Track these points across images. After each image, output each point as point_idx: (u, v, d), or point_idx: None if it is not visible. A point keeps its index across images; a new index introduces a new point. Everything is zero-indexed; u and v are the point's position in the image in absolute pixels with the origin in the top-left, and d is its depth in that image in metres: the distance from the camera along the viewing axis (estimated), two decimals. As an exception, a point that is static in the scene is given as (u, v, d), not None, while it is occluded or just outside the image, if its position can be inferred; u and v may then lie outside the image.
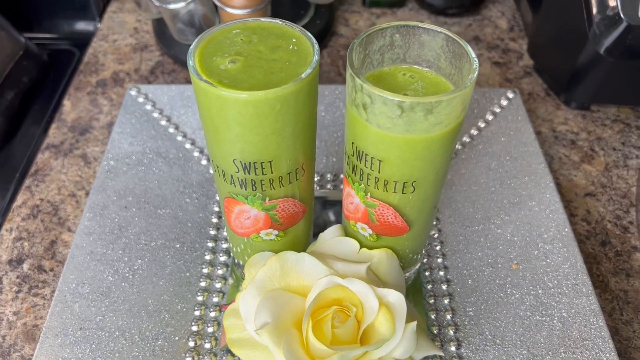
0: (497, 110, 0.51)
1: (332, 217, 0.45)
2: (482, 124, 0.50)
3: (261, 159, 0.29)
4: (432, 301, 0.39)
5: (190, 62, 0.27)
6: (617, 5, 0.45)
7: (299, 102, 0.27)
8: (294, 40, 0.29)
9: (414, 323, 0.32)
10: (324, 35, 0.61)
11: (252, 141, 0.28)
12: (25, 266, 0.41)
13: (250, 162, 0.29)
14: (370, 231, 0.34)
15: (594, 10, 0.47)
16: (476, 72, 0.27)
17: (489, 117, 0.51)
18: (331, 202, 0.46)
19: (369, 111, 0.27)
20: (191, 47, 0.28)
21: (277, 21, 0.30)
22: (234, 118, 0.27)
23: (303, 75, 0.27)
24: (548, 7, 0.56)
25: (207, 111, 0.28)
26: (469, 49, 0.28)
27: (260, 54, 0.28)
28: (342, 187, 0.47)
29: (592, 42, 0.48)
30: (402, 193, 0.31)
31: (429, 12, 0.67)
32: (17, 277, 0.41)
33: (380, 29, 0.30)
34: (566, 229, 0.42)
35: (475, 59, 0.28)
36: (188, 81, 0.57)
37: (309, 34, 0.29)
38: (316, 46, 0.28)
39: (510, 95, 0.52)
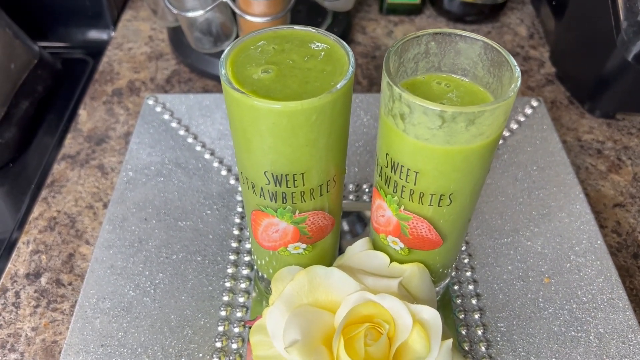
0: (522, 119, 0.50)
1: (351, 228, 0.44)
2: (506, 133, 0.49)
3: (293, 171, 0.28)
4: (462, 316, 0.38)
5: (222, 71, 0.26)
6: (646, 12, 0.44)
7: (335, 112, 0.26)
8: (327, 47, 0.28)
9: (450, 341, 0.31)
10: (341, 43, 0.61)
11: (285, 152, 0.27)
12: (43, 280, 0.40)
13: (281, 174, 0.28)
14: (401, 245, 0.33)
15: (622, 16, 0.46)
16: (519, 81, 0.26)
17: (514, 126, 0.49)
18: (350, 213, 0.45)
19: (406, 121, 0.26)
20: (222, 56, 0.27)
21: (310, 29, 0.29)
22: (267, 129, 0.26)
23: (339, 86, 0.26)
24: (572, 14, 0.55)
25: (239, 122, 0.27)
26: (510, 57, 0.27)
27: (294, 63, 0.27)
28: (364, 198, 0.46)
29: (620, 49, 0.47)
30: (438, 206, 0.30)
31: (446, 19, 0.66)
32: (35, 291, 0.40)
33: (415, 36, 0.29)
34: (598, 241, 0.41)
35: (517, 67, 0.27)
36: (205, 90, 0.56)
37: (343, 42, 0.28)
38: (351, 54, 0.27)
39: (535, 103, 0.51)
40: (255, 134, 0.27)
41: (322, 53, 0.28)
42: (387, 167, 0.30)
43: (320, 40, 0.28)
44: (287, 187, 0.29)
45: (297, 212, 0.31)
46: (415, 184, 0.29)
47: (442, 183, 0.28)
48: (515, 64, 0.27)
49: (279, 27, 0.29)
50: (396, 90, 0.26)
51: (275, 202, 0.30)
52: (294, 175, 0.28)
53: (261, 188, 0.29)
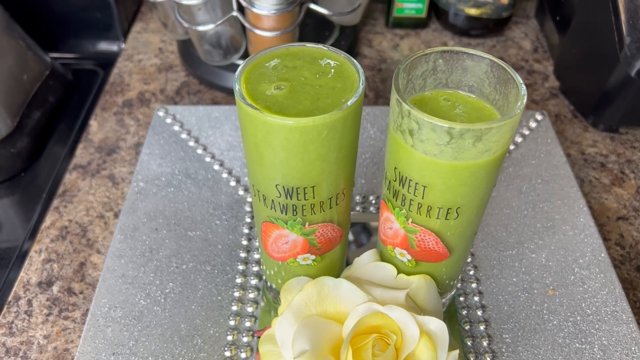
0: (526, 132, 0.51)
1: (356, 238, 0.45)
2: (511, 147, 0.50)
3: (304, 184, 0.29)
4: (467, 327, 0.38)
5: (236, 88, 0.27)
6: (649, 28, 0.45)
7: (345, 128, 0.27)
8: (338, 64, 0.29)
9: (456, 352, 0.31)
10: (348, 56, 0.61)
11: (296, 167, 0.28)
12: (55, 288, 0.41)
13: (292, 187, 0.29)
14: (409, 257, 0.34)
15: (625, 32, 0.47)
16: (525, 99, 0.27)
17: (518, 140, 0.50)
18: (355, 223, 0.45)
19: (415, 137, 0.27)
20: (237, 72, 0.28)
21: (321, 46, 0.29)
22: (279, 144, 0.27)
23: (349, 103, 0.26)
24: (576, 29, 0.55)
25: (252, 136, 0.28)
26: (516, 75, 0.28)
27: (306, 80, 0.28)
28: (371, 209, 0.46)
29: (623, 64, 0.48)
30: (445, 219, 0.30)
31: (452, 33, 0.67)
32: (47, 299, 0.41)
33: (424, 54, 0.29)
34: (602, 254, 0.41)
35: (523, 84, 0.28)
36: (214, 102, 0.57)
37: (353, 60, 0.29)
38: (361, 72, 0.28)
39: (539, 117, 0.52)
40: (267, 149, 0.27)
41: (333, 70, 0.29)
42: (395, 180, 0.30)
43: (331, 58, 0.29)
44: (297, 199, 0.30)
45: (307, 224, 0.31)
46: (423, 198, 0.29)
47: (449, 197, 0.29)
48: (522, 82, 0.28)
49: (291, 45, 0.29)
50: (405, 107, 0.27)
51: (286, 214, 0.31)
52: (304, 188, 0.29)
53: (272, 200, 0.30)
